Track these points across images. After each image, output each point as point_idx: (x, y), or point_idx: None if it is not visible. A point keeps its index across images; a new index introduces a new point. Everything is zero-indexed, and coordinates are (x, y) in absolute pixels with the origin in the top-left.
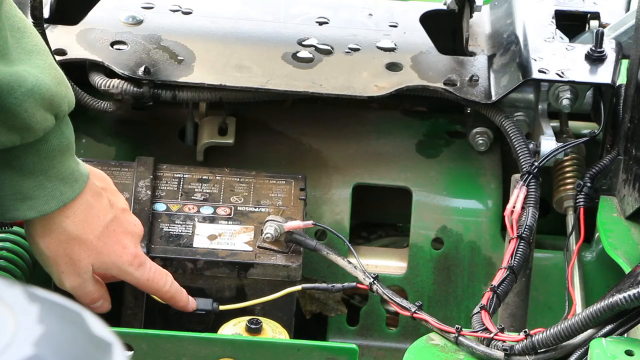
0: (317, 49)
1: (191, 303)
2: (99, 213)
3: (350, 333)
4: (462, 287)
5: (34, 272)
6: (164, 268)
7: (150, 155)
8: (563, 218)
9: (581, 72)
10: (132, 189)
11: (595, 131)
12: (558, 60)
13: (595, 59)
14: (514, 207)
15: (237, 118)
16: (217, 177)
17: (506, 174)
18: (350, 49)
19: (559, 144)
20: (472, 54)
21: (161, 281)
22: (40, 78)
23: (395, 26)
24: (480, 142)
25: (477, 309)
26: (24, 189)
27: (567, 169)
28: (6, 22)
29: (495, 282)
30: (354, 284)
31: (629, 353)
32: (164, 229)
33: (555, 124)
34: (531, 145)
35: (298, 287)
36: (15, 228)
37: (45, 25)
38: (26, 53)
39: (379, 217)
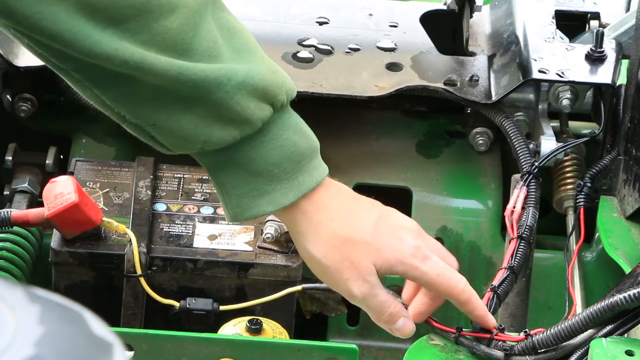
0: (317, 49)
1: (491, 320)
2: (362, 213)
3: (350, 333)
4: None
5: (34, 272)
6: (164, 268)
7: (150, 155)
8: (563, 218)
9: (581, 72)
10: (132, 189)
11: (596, 131)
12: (558, 60)
13: (595, 59)
14: (514, 207)
15: None
16: None
17: (506, 174)
18: (350, 49)
19: (559, 144)
20: (472, 54)
21: (454, 278)
22: (252, 69)
23: (396, 26)
24: (481, 142)
25: None
26: (259, 184)
27: (567, 169)
28: (215, 24)
29: (495, 282)
30: None
31: (629, 353)
32: (164, 229)
33: (556, 124)
34: (531, 145)
35: (298, 287)
36: (15, 228)
37: None
38: (236, 52)
39: None
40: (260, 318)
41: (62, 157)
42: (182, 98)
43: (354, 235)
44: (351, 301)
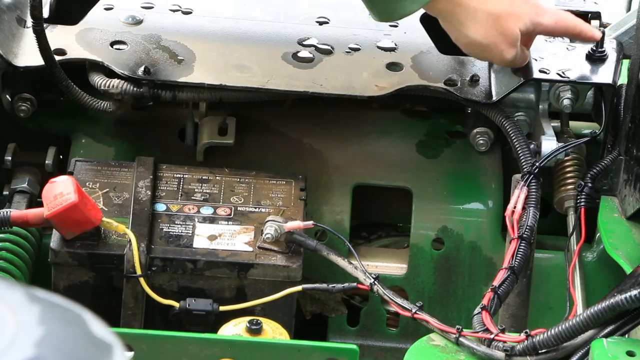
0: (317, 48)
1: (597, 33)
2: None
3: (350, 333)
4: (463, 287)
5: (34, 272)
6: (164, 269)
7: (150, 155)
8: (564, 218)
9: (582, 72)
10: (132, 189)
11: (596, 131)
12: (559, 60)
13: (596, 59)
14: (514, 207)
15: (237, 118)
16: (217, 177)
17: (507, 174)
18: (350, 48)
19: (560, 144)
20: None
21: (565, 19)
22: None
23: (396, 26)
24: (481, 142)
25: (477, 310)
26: None
27: (568, 169)
28: None
29: (496, 283)
30: (355, 284)
31: (630, 354)
32: (164, 229)
33: (556, 124)
34: (532, 146)
35: (298, 288)
36: (15, 228)
37: (45, 25)
38: None
39: (379, 217)
40: (260, 318)
41: (61, 157)
42: None
43: (501, 10)
44: (502, 64)
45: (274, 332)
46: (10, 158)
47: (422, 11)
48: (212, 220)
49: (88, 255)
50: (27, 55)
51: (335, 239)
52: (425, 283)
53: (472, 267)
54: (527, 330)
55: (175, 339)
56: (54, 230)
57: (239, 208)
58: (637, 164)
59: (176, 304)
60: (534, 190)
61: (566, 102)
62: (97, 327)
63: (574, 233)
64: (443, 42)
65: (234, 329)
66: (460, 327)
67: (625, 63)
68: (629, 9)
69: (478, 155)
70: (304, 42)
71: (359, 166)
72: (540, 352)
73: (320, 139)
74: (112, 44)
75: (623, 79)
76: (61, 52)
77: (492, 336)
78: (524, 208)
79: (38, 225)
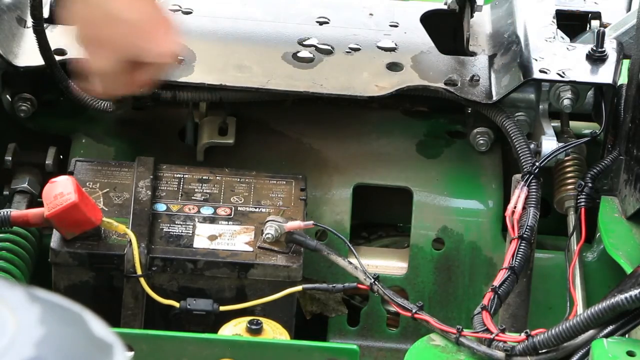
0: (317, 48)
1: None
2: None
3: (350, 333)
4: (463, 287)
5: (34, 272)
6: (164, 268)
7: (150, 155)
8: (564, 218)
9: (582, 72)
10: (132, 189)
11: (597, 131)
12: (559, 60)
13: (596, 59)
14: (515, 207)
15: (237, 118)
16: (217, 177)
17: (507, 174)
18: (350, 48)
19: (560, 144)
20: (473, 54)
21: None
22: None
23: (396, 26)
24: (481, 142)
25: (478, 310)
26: None
27: (568, 169)
28: None
29: (496, 283)
30: (355, 284)
31: (630, 354)
32: (164, 229)
33: (556, 124)
34: (532, 146)
35: (299, 288)
36: (15, 228)
37: (45, 25)
38: None
39: (380, 217)
40: (261, 318)
41: (61, 157)
42: None
43: None
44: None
45: (274, 332)
46: (10, 158)
47: (422, 11)
48: (212, 220)
49: (88, 255)
50: (27, 55)
51: (335, 239)
52: (425, 283)
53: (472, 267)
54: (527, 330)
55: (175, 339)
56: (54, 230)
57: (239, 208)
58: (637, 164)
59: (176, 304)
60: (534, 190)
61: (566, 102)
62: (98, 327)
63: (574, 233)
64: (443, 42)
65: (234, 329)
66: (461, 327)
67: (625, 63)
68: (629, 9)
69: (478, 155)
70: (304, 42)
71: (359, 166)
72: (540, 352)
73: (320, 139)
74: None
75: (623, 79)
76: (61, 52)
77: (492, 336)
78: (524, 208)
79: (38, 225)
